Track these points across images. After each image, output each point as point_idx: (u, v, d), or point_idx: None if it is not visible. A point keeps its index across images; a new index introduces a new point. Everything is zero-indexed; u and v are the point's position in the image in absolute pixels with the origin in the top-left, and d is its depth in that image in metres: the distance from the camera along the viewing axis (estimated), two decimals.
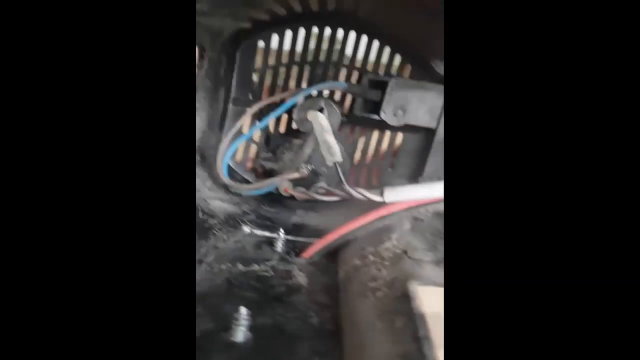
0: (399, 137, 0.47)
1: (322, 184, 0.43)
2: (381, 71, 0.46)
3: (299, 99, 0.44)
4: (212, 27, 0.40)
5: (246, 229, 0.42)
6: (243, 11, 0.42)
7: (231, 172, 0.49)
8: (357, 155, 0.48)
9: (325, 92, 0.47)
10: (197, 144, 0.45)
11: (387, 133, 0.47)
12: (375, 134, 0.47)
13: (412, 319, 0.22)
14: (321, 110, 0.38)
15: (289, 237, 0.40)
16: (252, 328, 0.25)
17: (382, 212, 0.34)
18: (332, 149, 0.34)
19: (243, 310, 0.24)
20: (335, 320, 0.28)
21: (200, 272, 0.33)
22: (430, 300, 0.24)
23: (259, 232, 0.41)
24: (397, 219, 0.34)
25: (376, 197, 0.33)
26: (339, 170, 0.34)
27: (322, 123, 0.36)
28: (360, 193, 0.34)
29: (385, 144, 0.48)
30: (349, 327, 0.26)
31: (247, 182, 0.51)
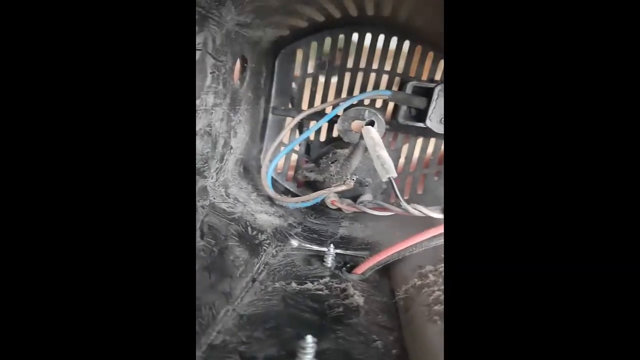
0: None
1: (368, 196, 0.42)
2: (424, 76, 0.45)
3: (341, 109, 0.43)
4: (252, 37, 0.40)
5: (294, 242, 0.42)
6: (283, 20, 0.41)
7: (273, 183, 0.49)
8: (401, 162, 0.47)
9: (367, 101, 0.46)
10: (241, 156, 0.45)
11: (432, 140, 0.46)
12: (420, 141, 0.46)
13: None
14: (372, 123, 0.37)
15: (338, 251, 0.40)
16: (317, 354, 0.25)
17: (442, 229, 0.32)
18: (387, 164, 0.33)
19: (309, 338, 0.24)
20: (399, 343, 0.27)
21: (255, 290, 0.33)
22: None
23: (307, 245, 0.41)
24: None
25: (435, 214, 0.32)
26: (395, 185, 0.33)
27: (375, 137, 0.35)
28: (419, 210, 0.33)
29: (430, 151, 0.46)
30: (417, 353, 0.26)
31: (289, 192, 0.51)
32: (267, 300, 0.32)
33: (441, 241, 0.32)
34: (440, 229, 0.32)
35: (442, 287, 0.29)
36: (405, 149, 0.47)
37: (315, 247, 0.40)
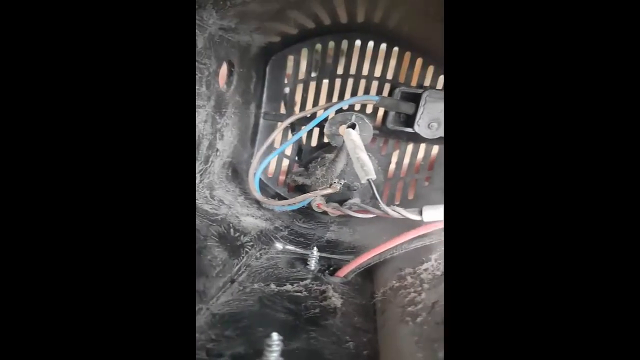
0: (435, 149, 0.45)
1: (356, 200, 0.42)
2: (414, 82, 0.45)
3: (330, 113, 0.43)
4: (239, 42, 0.40)
5: (279, 245, 0.41)
6: (271, 26, 0.42)
7: (263, 187, 0.49)
8: (392, 168, 0.47)
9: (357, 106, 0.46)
10: (229, 159, 0.45)
11: (422, 146, 0.45)
12: (410, 147, 0.46)
13: None
14: (353, 126, 0.37)
15: (322, 255, 0.39)
16: (285, 353, 0.25)
17: (421, 231, 0.32)
18: (366, 166, 0.33)
19: (275, 335, 0.24)
20: (372, 344, 0.27)
21: (232, 291, 0.33)
22: None
23: (291, 248, 0.41)
24: (436, 238, 0.32)
25: (414, 216, 0.32)
26: (374, 188, 0.33)
27: (355, 140, 0.35)
28: (397, 212, 0.32)
29: (420, 157, 0.46)
30: (387, 353, 0.25)
31: (279, 196, 0.50)
32: (244, 300, 0.32)
33: (422, 243, 0.32)
34: (420, 231, 0.32)
35: (419, 288, 0.28)
36: (396, 154, 0.47)
37: (300, 251, 0.40)
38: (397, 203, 0.47)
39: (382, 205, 0.32)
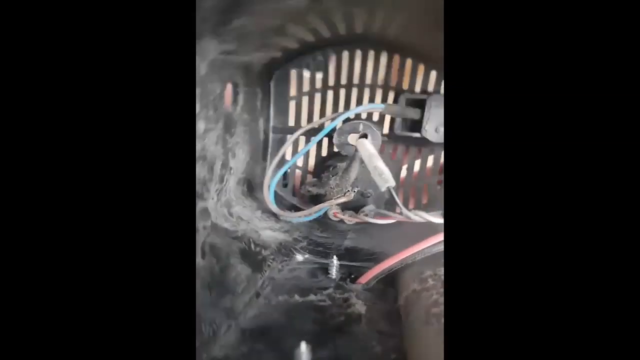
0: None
1: (371, 207, 0.43)
2: (418, 88, 0.45)
3: (338, 122, 0.44)
4: (242, 63, 0.42)
5: (299, 257, 0.42)
6: (272, 41, 0.43)
7: (278, 199, 0.50)
8: (403, 174, 0.48)
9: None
10: (243, 175, 0.47)
11: (433, 150, 0.46)
12: (420, 151, 0.47)
13: None
14: (365, 136, 0.38)
15: (343, 263, 0.40)
16: None
17: (442, 235, 0.32)
18: (384, 174, 0.34)
19: (303, 346, 0.24)
20: (399, 348, 0.27)
21: (259, 305, 0.34)
22: None
23: (312, 258, 0.42)
24: None
25: (436, 219, 0.32)
26: (394, 194, 0.33)
27: (369, 149, 0.36)
28: (420, 216, 0.33)
29: (431, 161, 0.47)
30: (414, 355, 0.25)
31: (295, 207, 0.51)
32: (270, 313, 0.33)
33: (442, 248, 0.32)
34: (442, 236, 0.32)
35: (441, 290, 0.29)
36: (405, 159, 0.47)
37: (321, 260, 0.41)
38: (412, 208, 0.48)
39: (405, 210, 0.33)
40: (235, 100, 0.43)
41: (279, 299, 0.34)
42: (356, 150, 0.38)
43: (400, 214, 0.33)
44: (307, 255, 0.42)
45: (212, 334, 0.28)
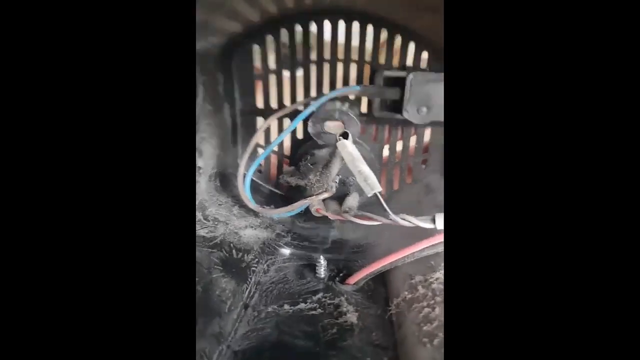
0: (428, 131, 0.44)
1: (354, 196, 0.41)
2: (395, 62, 0.41)
3: (311, 110, 0.41)
4: (197, 52, 0.36)
5: (284, 251, 0.41)
6: (225, 22, 0.38)
7: (255, 187, 0.47)
8: (385, 154, 0.46)
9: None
10: (214, 169, 0.43)
11: (414, 129, 0.44)
12: (402, 130, 0.44)
13: None
14: (346, 135, 0.35)
15: (330, 257, 0.39)
16: None
17: (436, 239, 0.31)
18: (370, 179, 0.31)
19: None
20: None
21: (248, 319, 0.33)
22: None
23: (297, 252, 0.41)
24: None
25: (427, 225, 0.31)
26: (381, 200, 0.31)
27: (352, 152, 0.33)
28: (409, 220, 0.31)
29: (413, 141, 0.44)
30: None
31: (273, 194, 0.49)
32: (261, 329, 0.32)
33: (434, 250, 0.31)
34: (433, 240, 0.31)
35: (432, 301, 0.29)
36: (387, 140, 0.45)
37: (307, 253, 0.40)
38: (396, 189, 0.46)
39: (392, 215, 0.31)
40: (196, 93, 0.39)
41: (268, 310, 0.34)
42: (337, 148, 0.35)
43: (387, 217, 0.32)
44: (292, 250, 0.41)
45: None
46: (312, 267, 0.39)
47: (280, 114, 0.43)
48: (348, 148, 0.33)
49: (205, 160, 0.41)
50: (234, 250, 0.38)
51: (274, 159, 0.49)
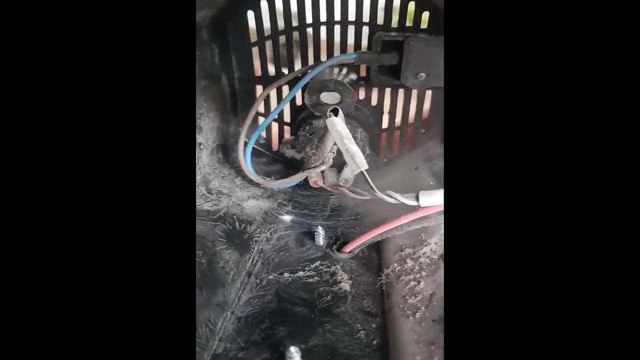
0: (428, 94, 0.42)
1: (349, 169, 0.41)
2: (394, 22, 0.39)
3: (308, 79, 0.40)
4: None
5: (286, 217, 0.43)
6: None
7: (255, 155, 0.48)
8: (385, 118, 0.45)
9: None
10: (215, 143, 0.44)
11: (414, 93, 0.42)
12: (401, 96, 0.43)
13: None
14: (335, 112, 0.34)
15: (329, 224, 0.41)
16: (304, 352, 0.28)
17: (419, 214, 0.32)
18: (357, 157, 0.32)
19: (293, 350, 0.27)
20: (380, 331, 0.30)
21: (251, 287, 0.36)
22: None
23: (298, 220, 0.42)
24: (435, 221, 0.32)
25: (411, 202, 0.31)
26: (367, 177, 0.32)
27: (341, 130, 0.33)
28: (393, 197, 0.32)
29: (413, 105, 0.43)
30: (393, 348, 0.28)
31: (275, 161, 0.50)
32: (262, 296, 0.35)
33: (421, 225, 0.32)
34: (419, 214, 0.32)
35: (417, 275, 0.30)
36: (387, 104, 0.44)
37: (307, 221, 0.41)
38: (396, 154, 0.46)
39: (378, 192, 0.32)
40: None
41: (270, 278, 0.36)
42: (326, 127, 0.35)
43: (373, 194, 0.32)
44: (293, 217, 0.42)
45: (209, 332, 0.31)
46: (312, 234, 0.41)
47: (278, 83, 0.43)
48: (337, 126, 0.33)
49: (205, 136, 0.42)
50: (237, 222, 0.40)
51: (275, 128, 0.49)
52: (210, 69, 0.41)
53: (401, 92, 0.43)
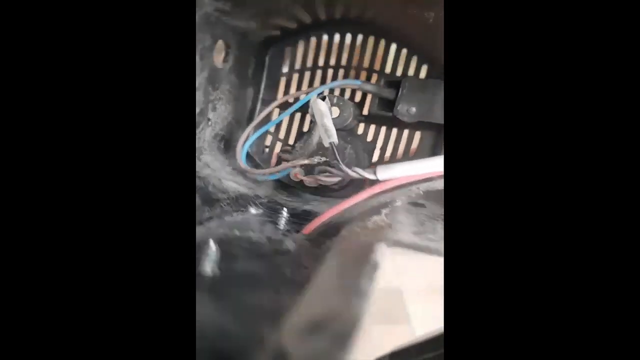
0: (417, 135, 0.47)
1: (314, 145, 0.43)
2: (387, 70, 0.47)
3: (313, 96, 0.46)
4: (236, 27, 0.45)
5: (253, 210, 0.43)
6: (269, 19, 0.47)
7: (249, 161, 0.52)
8: (376, 152, 0.49)
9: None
10: (222, 132, 0.49)
11: (405, 132, 0.47)
12: (394, 132, 0.48)
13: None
14: (323, 98, 0.40)
15: (294, 214, 0.41)
16: (222, 267, 0.26)
17: (377, 189, 0.34)
18: (330, 131, 0.36)
19: (212, 244, 0.26)
20: (308, 277, 0.28)
21: (198, 233, 0.35)
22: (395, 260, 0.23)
23: (266, 212, 0.43)
24: (390, 196, 0.33)
25: (370, 175, 0.33)
26: (335, 150, 0.35)
27: (322, 109, 0.38)
28: (355, 171, 0.34)
29: (403, 143, 0.48)
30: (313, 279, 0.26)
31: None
32: (204, 236, 0.34)
33: (377, 201, 0.33)
34: (377, 189, 0.33)
35: (362, 236, 0.29)
36: (380, 140, 0.49)
37: (275, 213, 0.42)
38: None
39: (342, 166, 0.34)
40: (225, 60, 0.46)
41: (219, 231, 0.35)
42: (310, 107, 0.40)
43: (340, 169, 0.34)
44: (261, 210, 0.43)
45: None
46: (275, 223, 0.41)
47: (280, 101, 0.50)
48: (319, 105, 0.38)
49: (216, 118, 0.47)
50: (211, 185, 0.42)
51: (278, 146, 0.54)
52: (243, 74, 0.49)
53: (394, 131, 0.48)
